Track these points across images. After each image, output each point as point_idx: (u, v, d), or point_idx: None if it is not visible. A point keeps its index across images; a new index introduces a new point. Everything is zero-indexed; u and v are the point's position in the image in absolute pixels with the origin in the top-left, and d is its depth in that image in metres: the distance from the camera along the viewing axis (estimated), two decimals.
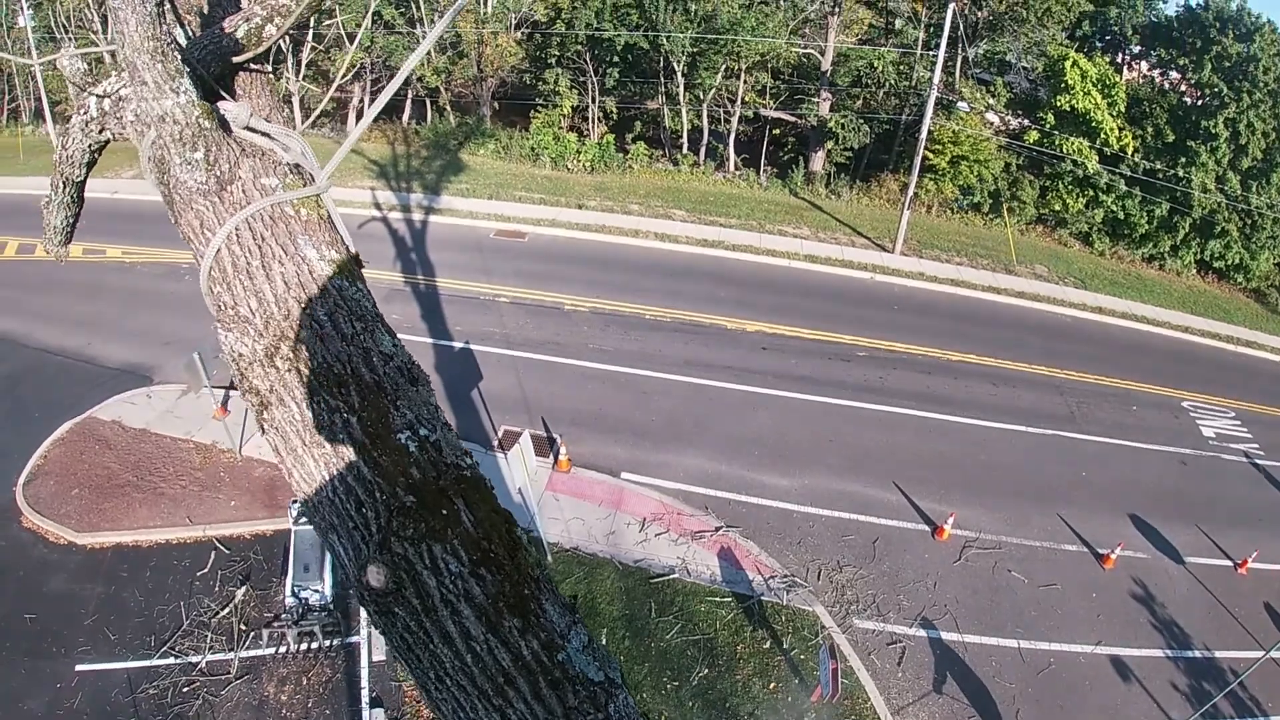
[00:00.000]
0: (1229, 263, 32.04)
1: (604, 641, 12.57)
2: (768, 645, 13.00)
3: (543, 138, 32.22)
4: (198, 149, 1.84)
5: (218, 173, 1.87)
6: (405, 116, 36.31)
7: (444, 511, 1.64)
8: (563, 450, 15.59)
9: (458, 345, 19.03)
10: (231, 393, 15.92)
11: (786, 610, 13.50)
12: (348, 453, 1.69)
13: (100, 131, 2.10)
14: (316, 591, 11.89)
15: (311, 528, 11.38)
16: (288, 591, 11.92)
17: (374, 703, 11.46)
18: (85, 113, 2.09)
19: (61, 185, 2.33)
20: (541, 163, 31.92)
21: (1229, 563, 16.59)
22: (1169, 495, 18.13)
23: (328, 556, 12.10)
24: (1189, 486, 18.69)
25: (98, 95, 2.04)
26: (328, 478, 1.70)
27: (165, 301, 19.77)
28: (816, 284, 25.00)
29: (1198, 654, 14.25)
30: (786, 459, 16.88)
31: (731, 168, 33.65)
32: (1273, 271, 32.93)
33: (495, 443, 16.18)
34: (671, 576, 13.75)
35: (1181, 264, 32.36)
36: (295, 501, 12.51)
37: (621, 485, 15.43)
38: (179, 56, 1.82)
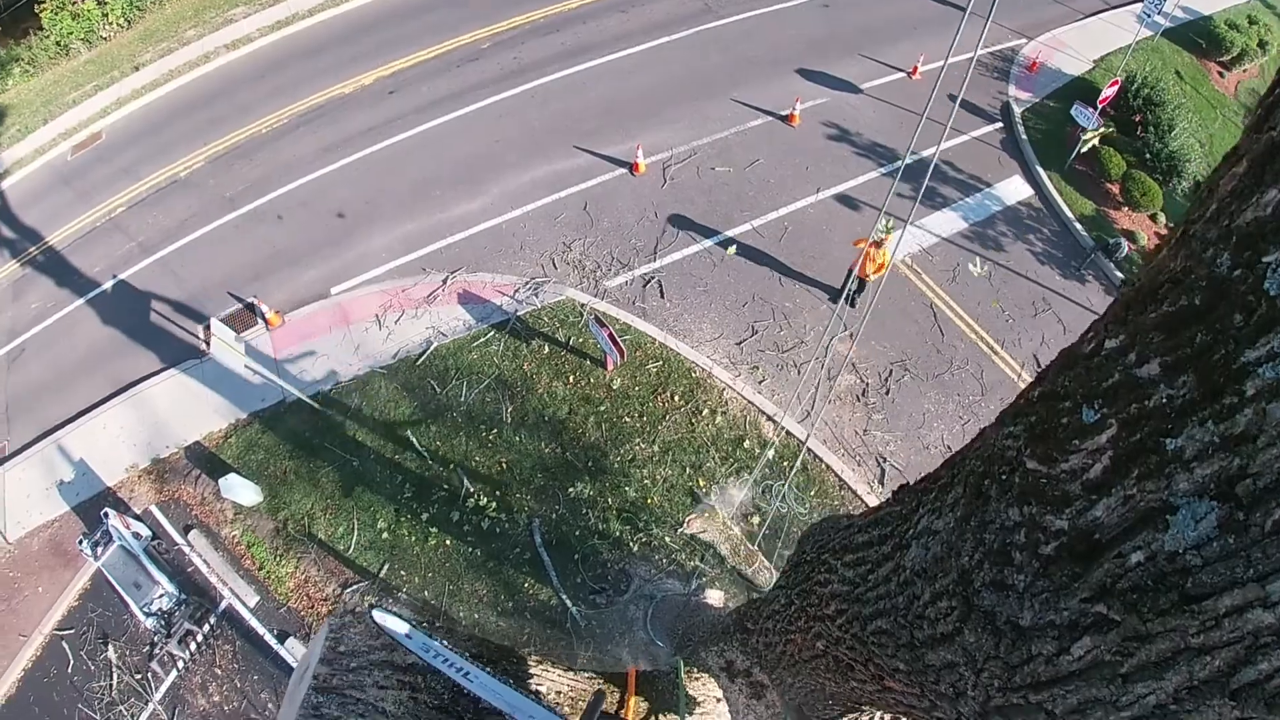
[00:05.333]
0: None
1: (413, 441, 13.04)
2: (546, 350, 13.94)
3: (60, 25, 27.48)
4: None
5: None
6: None
7: None
8: (264, 309, 14.99)
9: (107, 285, 17.16)
10: None
11: (546, 310, 14.40)
12: None
13: None
14: (163, 595, 11.98)
15: (116, 550, 10.83)
16: (142, 617, 11.90)
17: (280, 637, 11.96)
18: None
19: None
20: (75, 51, 27.46)
21: (901, 74, 18.92)
22: (824, 39, 20.00)
23: (144, 559, 12.08)
24: (838, 24, 20.60)
25: None
26: None
27: None
28: (411, 2, 23.11)
29: (908, 160, 16.40)
30: (468, 181, 16.98)
31: None
32: None
33: (204, 347, 15.33)
34: (432, 349, 14.13)
35: None
36: (82, 540, 12.21)
37: (337, 301, 15.18)
38: None
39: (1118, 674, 1.08)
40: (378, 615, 2.72)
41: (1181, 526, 0.95)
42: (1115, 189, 16.96)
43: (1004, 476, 1.33)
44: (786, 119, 17.60)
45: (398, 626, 2.70)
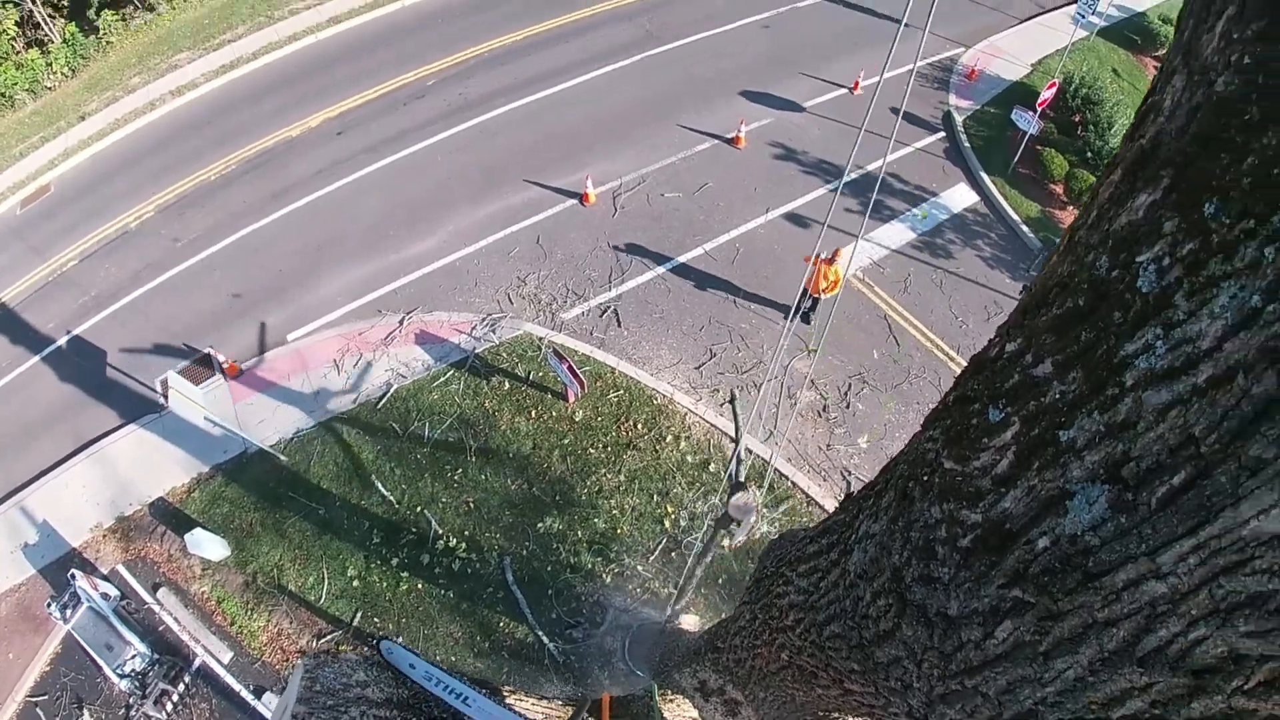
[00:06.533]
0: None
1: (379, 485, 13.00)
2: (507, 386, 13.99)
3: (4, 76, 27.14)
4: None
5: None
6: None
7: None
8: (221, 359, 14.90)
9: (62, 341, 16.93)
10: None
11: (504, 346, 14.48)
12: None
13: None
14: (135, 656, 11.88)
15: (85, 612, 10.67)
16: (115, 679, 11.81)
17: (257, 692, 11.91)
18: None
19: None
20: (20, 103, 27.13)
21: (843, 90, 19.22)
22: (765, 60, 20.29)
23: (114, 619, 11.98)
24: (779, 44, 20.92)
25: None
26: None
27: None
28: (354, 42, 23.25)
29: (854, 175, 16.70)
30: (420, 220, 17.03)
31: None
32: None
33: (162, 400, 15.19)
34: (392, 391, 14.13)
35: None
36: (50, 603, 12.13)
37: (295, 348, 15.14)
38: None
39: (1038, 652, 1.16)
40: (385, 647, 2.88)
41: (1078, 510, 1.03)
42: (1059, 189, 17.37)
43: (925, 477, 1.42)
44: (732, 141, 17.84)
45: (403, 657, 2.87)
